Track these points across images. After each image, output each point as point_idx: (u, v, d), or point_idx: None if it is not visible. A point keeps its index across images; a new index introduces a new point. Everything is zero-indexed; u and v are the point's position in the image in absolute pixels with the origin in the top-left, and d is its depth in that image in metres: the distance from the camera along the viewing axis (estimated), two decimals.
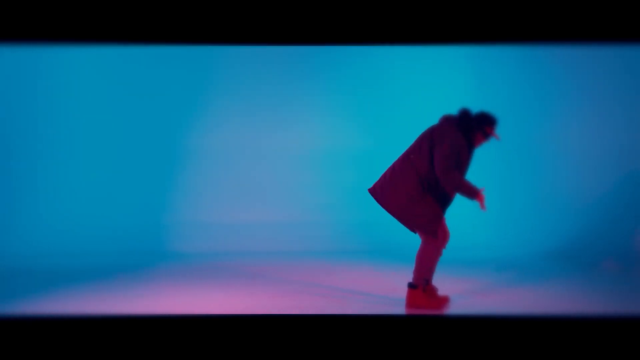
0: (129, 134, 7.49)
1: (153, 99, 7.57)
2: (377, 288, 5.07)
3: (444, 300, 4.43)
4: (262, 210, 7.54)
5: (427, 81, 7.85)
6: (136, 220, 7.15)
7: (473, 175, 7.57)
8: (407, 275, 4.71)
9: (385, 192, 4.40)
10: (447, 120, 4.44)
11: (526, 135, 7.32)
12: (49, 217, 7.02)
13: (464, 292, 4.88)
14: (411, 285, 4.37)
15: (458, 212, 7.50)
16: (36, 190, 7.12)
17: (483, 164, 7.67)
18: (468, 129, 4.35)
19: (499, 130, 4.46)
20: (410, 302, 4.36)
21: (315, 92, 7.86)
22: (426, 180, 4.30)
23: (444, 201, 4.36)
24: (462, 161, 4.28)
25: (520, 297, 4.78)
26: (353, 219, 7.53)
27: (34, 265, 5.94)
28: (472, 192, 4.17)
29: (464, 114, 4.41)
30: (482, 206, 4.19)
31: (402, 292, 4.56)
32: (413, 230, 4.43)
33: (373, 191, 4.50)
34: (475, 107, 7.72)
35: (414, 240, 6.95)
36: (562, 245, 6.45)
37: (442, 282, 4.86)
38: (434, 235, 4.29)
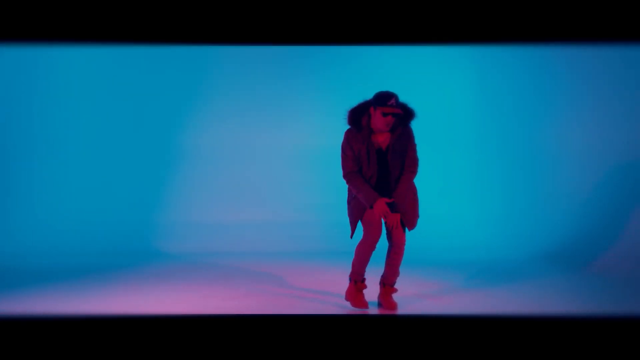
0: (123, 134, 7.50)
1: (147, 99, 7.58)
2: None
3: (364, 303, 4.41)
4: (255, 210, 7.50)
5: (424, 81, 7.78)
6: (129, 219, 7.13)
7: (477, 174, 7.29)
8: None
9: None
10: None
11: (527, 135, 7.30)
12: (42, 216, 7.00)
13: (418, 294, 4.86)
14: (349, 278, 4.49)
15: (458, 212, 7.64)
16: (30, 188, 7.11)
17: (485, 165, 7.81)
18: (358, 122, 4.22)
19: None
20: (346, 293, 4.49)
21: (310, 91, 7.84)
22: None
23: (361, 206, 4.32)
24: (361, 159, 4.21)
25: (474, 299, 4.73)
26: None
27: (24, 263, 5.94)
28: (367, 200, 4.16)
29: (351, 110, 4.26)
30: (389, 221, 4.17)
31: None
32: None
33: None
34: (474, 107, 7.80)
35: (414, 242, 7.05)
36: (562, 246, 6.39)
37: (409, 282, 4.91)
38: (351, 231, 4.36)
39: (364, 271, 4.41)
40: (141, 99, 7.54)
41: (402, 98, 7.49)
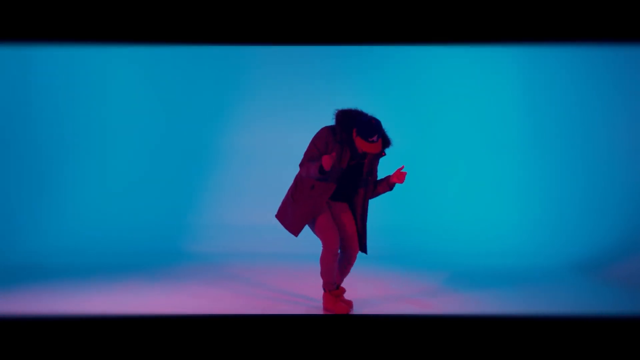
0: (158, 135, 7.65)
1: (183, 100, 7.70)
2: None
3: (344, 307, 4.38)
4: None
5: (465, 82, 7.72)
6: (163, 220, 7.25)
7: (520, 178, 7.32)
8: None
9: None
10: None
11: (575, 139, 7.10)
12: (78, 216, 7.16)
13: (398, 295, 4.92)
14: (323, 289, 4.45)
15: (491, 218, 7.44)
16: (66, 189, 7.28)
17: (529, 168, 7.51)
18: (346, 128, 4.13)
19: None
20: (323, 304, 4.45)
21: (347, 91, 7.74)
22: (296, 179, 4.35)
23: (313, 203, 4.24)
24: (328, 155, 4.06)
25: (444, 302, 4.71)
26: (378, 223, 7.36)
27: (58, 261, 6.09)
28: (316, 166, 4.03)
29: (342, 112, 4.21)
30: (329, 157, 3.95)
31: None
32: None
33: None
34: (518, 110, 7.64)
35: (435, 246, 6.92)
36: (599, 255, 6.18)
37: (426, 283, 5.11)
38: (294, 234, 4.30)
39: (334, 279, 4.38)
40: (177, 100, 7.69)
41: (445, 100, 7.75)
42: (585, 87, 6.84)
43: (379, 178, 4.40)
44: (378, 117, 4.14)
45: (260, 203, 7.37)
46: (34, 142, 7.11)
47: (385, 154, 4.27)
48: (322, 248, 4.30)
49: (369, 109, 7.50)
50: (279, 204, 7.50)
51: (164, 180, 7.56)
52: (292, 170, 7.34)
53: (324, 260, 4.29)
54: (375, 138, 4.00)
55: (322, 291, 4.52)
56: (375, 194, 4.36)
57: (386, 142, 4.21)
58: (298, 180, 4.33)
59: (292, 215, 4.30)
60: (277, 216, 4.45)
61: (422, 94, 7.78)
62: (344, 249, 4.38)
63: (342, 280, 4.47)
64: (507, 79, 7.65)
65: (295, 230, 4.29)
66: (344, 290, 4.45)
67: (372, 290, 5.11)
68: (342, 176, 4.21)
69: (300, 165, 4.23)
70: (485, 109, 7.73)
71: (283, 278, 5.54)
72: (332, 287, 4.40)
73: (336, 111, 4.20)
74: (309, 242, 6.76)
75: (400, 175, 4.19)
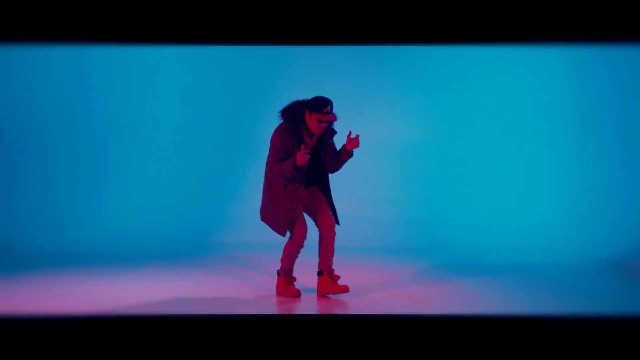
0: (206, 129, 7.89)
1: (229, 95, 7.92)
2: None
3: (296, 291, 4.66)
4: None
5: (514, 81, 7.67)
6: (203, 212, 7.45)
7: (568, 175, 7.27)
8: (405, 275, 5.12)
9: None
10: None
11: (607, 135, 7.03)
12: (130, 207, 7.45)
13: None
14: (277, 273, 4.74)
15: (519, 213, 7.37)
16: (117, 180, 7.62)
17: (577, 166, 7.34)
18: (295, 120, 4.36)
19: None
20: (276, 288, 4.75)
21: (392, 90, 7.91)
22: (268, 182, 4.51)
23: (290, 201, 4.43)
24: (289, 155, 4.35)
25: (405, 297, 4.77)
26: (411, 215, 7.49)
27: (105, 249, 6.47)
28: (290, 164, 4.24)
29: (284, 110, 4.42)
30: (303, 152, 4.20)
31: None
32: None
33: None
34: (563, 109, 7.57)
35: (469, 240, 6.94)
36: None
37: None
38: (282, 234, 4.49)
39: (292, 268, 4.66)
40: (220, 96, 7.92)
41: (493, 99, 7.78)
42: (622, 85, 6.82)
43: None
44: (418, 115, 4.32)
45: None
46: (79, 136, 7.54)
47: (335, 132, 4.54)
48: (290, 237, 4.52)
49: (405, 107, 7.86)
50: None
51: (206, 173, 7.78)
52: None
53: (288, 249, 4.56)
54: (329, 108, 4.27)
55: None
56: (340, 164, 4.57)
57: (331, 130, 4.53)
58: (269, 184, 4.50)
59: (274, 216, 4.48)
60: (262, 219, 4.64)
61: (457, 93, 7.82)
62: (323, 235, 4.58)
63: (331, 263, 4.65)
64: (542, 75, 7.58)
65: (281, 230, 4.49)
66: (294, 279, 4.71)
67: (386, 284, 5.19)
68: (311, 159, 4.43)
69: (270, 170, 4.39)
70: (518, 106, 7.70)
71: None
72: (288, 275, 4.68)
73: (280, 112, 4.42)
74: (346, 236, 6.91)
75: (353, 141, 4.40)
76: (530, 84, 7.61)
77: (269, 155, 4.40)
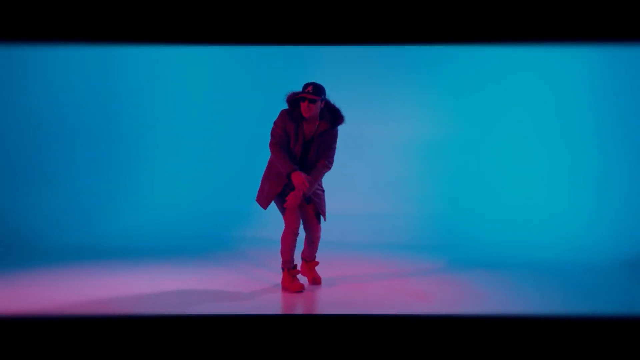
0: (223, 127, 8.08)
1: (247, 94, 8.10)
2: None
3: (300, 285, 4.81)
4: (355, 202, 7.64)
5: (541, 81, 7.67)
6: (231, 207, 7.61)
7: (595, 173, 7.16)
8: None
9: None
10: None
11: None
12: (156, 203, 7.67)
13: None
14: (282, 268, 4.89)
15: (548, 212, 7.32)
16: (148, 178, 7.88)
17: (604, 165, 7.30)
18: (294, 104, 4.68)
19: None
20: (282, 283, 4.89)
21: (420, 88, 8.00)
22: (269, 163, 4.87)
23: (279, 181, 4.72)
24: (290, 137, 4.67)
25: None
26: (438, 213, 7.52)
27: (131, 243, 6.66)
28: (286, 169, 4.60)
29: (289, 95, 4.72)
30: (298, 190, 4.57)
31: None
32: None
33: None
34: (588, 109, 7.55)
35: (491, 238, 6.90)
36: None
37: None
38: (263, 206, 4.82)
39: (293, 258, 4.83)
40: (245, 95, 8.10)
41: (513, 97, 7.77)
42: None
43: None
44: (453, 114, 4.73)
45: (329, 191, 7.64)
46: (103, 135, 7.78)
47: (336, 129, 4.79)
48: (284, 227, 4.74)
49: (426, 105, 7.93)
50: (348, 191, 7.75)
51: (227, 170, 7.97)
52: (359, 160, 7.80)
53: (285, 238, 4.76)
54: (310, 89, 4.56)
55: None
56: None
57: (337, 117, 4.75)
58: (270, 162, 4.83)
59: (266, 191, 4.81)
60: (257, 200, 4.90)
61: (477, 91, 7.87)
62: (307, 229, 4.90)
63: (314, 256, 5.02)
64: (563, 74, 7.57)
65: (264, 203, 4.82)
66: (298, 272, 4.87)
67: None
68: (302, 152, 4.71)
69: (271, 146, 4.69)
70: (538, 104, 7.71)
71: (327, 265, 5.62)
72: (290, 265, 4.84)
73: (287, 95, 4.73)
74: (362, 233, 7.04)
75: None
76: (550, 82, 7.59)
77: (271, 133, 4.71)
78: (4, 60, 6.75)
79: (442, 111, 7.92)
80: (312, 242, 4.94)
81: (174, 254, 6.14)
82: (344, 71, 7.90)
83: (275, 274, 5.31)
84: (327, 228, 5.65)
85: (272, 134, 4.70)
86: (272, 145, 4.67)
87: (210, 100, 8.17)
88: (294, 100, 4.67)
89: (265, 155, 7.83)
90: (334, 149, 4.81)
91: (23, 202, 6.89)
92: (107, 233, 6.98)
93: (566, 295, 4.82)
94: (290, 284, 4.80)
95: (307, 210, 4.85)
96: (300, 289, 4.76)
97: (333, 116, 4.74)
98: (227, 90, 8.15)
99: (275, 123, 4.70)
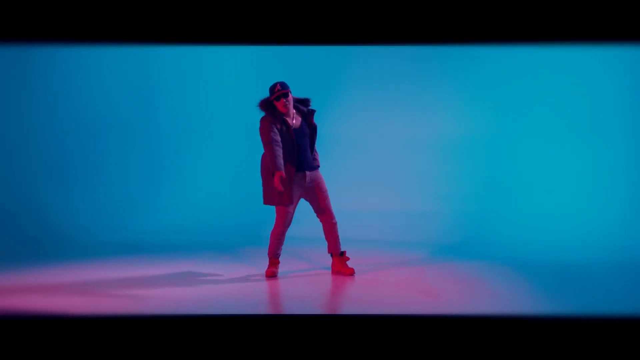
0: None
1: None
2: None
3: (271, 273, 5.15)
4: (383, 199, 7.69)
5: (574, 81, 7.55)
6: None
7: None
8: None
9: None
10: None
11: None
12: (190, 202, 7.89)
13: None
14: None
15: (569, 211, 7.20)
16: (182, 178, 8.07)
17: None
18: (271, 109, 4.99)
19: None
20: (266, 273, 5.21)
21: (449, 88, 7.95)
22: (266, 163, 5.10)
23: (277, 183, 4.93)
24: (282, 134, 4.95)
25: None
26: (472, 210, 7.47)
27: (164, 240, 6.90)
28: (273, 167, 4.88)
29: (261, 103, 5.02)
30: (277, 185, 4.87)
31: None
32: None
33: None
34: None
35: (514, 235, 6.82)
36: None
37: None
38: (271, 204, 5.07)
39: (279, 252, 5.20)
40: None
41: (548, 96, 7.63)
42: None
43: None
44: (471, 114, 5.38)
45: (357, 189, 7.71)
46: (142, 134, 7.99)
47: (314, 110, 5.15)
48: (275, 223, 5.09)
49: (462, 104, 7.87)
50: (372, 189, 7.81)
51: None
52: (383, 158, 7.85)
53: (273, 233, 5.15)
54: (278, 87, 4.94)
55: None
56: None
57: (307, 102, 5.18)
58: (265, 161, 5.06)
59: (269, 189, 5.06)
60: (264, 203, 5.18)
61: (514, 90, 7.78)
62: (324, 221, 5.22)
63: (339, 246, 5.27)
64: (607, 75, 7.41)
65: (266, 201, 5.11)
66: (278, 263, 5.25)
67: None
68: (296, 145, 5.00)
69: (266, 145, 4.95)
70: (575, 104, 7.57)
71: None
72: (274, 257, 5.20)
73: (257, 104, 5.03)
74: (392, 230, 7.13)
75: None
76: (580, 81, 7.45)
77: (262, 134, 4.97)
78: (42, 61, 6.99)
79: (470, 110, 7.85)
80: (332, 230, 5.21)
81: (205, 250, 6.34)
82: (372, 72, 7.94)
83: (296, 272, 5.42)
84: (347, 224, 5.73)
85: (262, 135, 4.96)
86: (267, 143, 4.94)
87: (247, 98, 8.08)
88: (268, 103, 4.99)
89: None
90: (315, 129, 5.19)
91: (62, 199, 7.15)
92: (146, 229, 7.23)
93: (592, 295, 4.70)
94: (343, 267, 5.25)
95: (320, 200, 5.13)
96: (272, 275, 5.14)
97: (304, 104, 5.14)
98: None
99: (262, 129, 4.98)
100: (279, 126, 4.98)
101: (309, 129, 5.13)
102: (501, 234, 6.90)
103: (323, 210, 5.17)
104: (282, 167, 4.90)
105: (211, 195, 7.96)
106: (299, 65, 8.08)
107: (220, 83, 8.29)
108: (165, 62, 8.01)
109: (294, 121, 5.08)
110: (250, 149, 8.02)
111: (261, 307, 4.51)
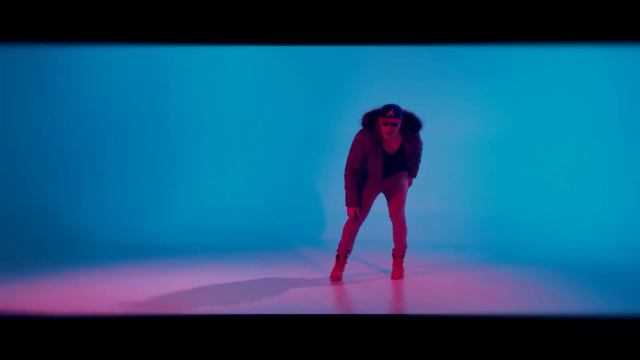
0: (279, 127, 8.19)
1: (307, 94, 8.21)
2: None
3: (334, 277, 5.08)
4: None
5: (586, 81, 7.57)
6: (287, 207, 7.68)
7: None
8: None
9: None
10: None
11: None
12: (212, 204, 7.78)
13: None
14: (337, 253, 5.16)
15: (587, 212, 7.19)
16: (207, 180, 8.00)
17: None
18: (371, 125, 4.76)
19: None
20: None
21: (465, 89, 7.96)
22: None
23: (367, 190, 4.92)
24: (369, 157, 4.78)
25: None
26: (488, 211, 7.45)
27: (184, 241, 6.77)
28: (347, 200, 4.86)
29: (363, 116, 4.80)
30: (349, 216, 4.88)
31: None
32: None
33: None
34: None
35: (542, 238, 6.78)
36: None
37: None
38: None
39: (351, 248, 5.08)
40: (304, 95, 8.21)
41: (568, 97, 7.67)
42: None
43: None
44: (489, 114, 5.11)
45: None
46: (158, 135, 7.94)
47: (416, 141, 4.86)
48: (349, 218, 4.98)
49: (486, 102, 7.85)
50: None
51: (284, 170, 8.05)
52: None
53: (345, 226, 5.02)
54: (392, 113, 4.60)
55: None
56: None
57: (416, 125, 4.83)
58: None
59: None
60: None
61: (534, 91, 7.80)
62: (392, 224, 5.14)
63: (396, 250, 5.22)
64: (618, 73, 7.44)
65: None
66: (345, 262, 5.12)
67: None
68: (388, 162, 4.83)
69: (346, 171, 4.86)
70: (596, 104, 7.59)
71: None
72: (344, 254, 5.08)
73: (361, 116, 4.80)
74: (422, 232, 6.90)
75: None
76: (606, 82, 7.46)
77: (348, 158, 4.86)
78: (49, 61, 6.84)
79: (493, 111, 7.85)
80: (398, 231, 5.13)
81: (233, 252, 6.24)
82: (393, 71, 7.90)
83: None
84: (374, 226, 5.77)
85: (349, 161, 4.84)
86: (348, 175, 4.84)
87: (269, 100, 8.25)
88: (371, 121, 4.74)
89: (321, 152, 8.00)
90: (420, 155, 5.06)
91: (76, 201, 7.02)
92: (166, 230, 7.13)
93: (629, 296, 4.73)
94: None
95: (391, 202, 5.03)
96: (337, 279, 5.03)
97: (412, 126, 4.82)
98: (285, 91, 8.23)
99: (353, 147, 4.81)
100: (370, 149, 4.77)
101: (405, 155, 4.89)
102: (522, 234, 6.91)
103: (391, 214, 5.09)
104: (357, 202, 4.85)
105: (222, 196, 7.88)
106: (314, 66, 8.10)
107: (231, 83, 8.23)
108: (178, 62, 7.91)
109: (391, 146, 4.85)
110: (261, 148, 8.21)
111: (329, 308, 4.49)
